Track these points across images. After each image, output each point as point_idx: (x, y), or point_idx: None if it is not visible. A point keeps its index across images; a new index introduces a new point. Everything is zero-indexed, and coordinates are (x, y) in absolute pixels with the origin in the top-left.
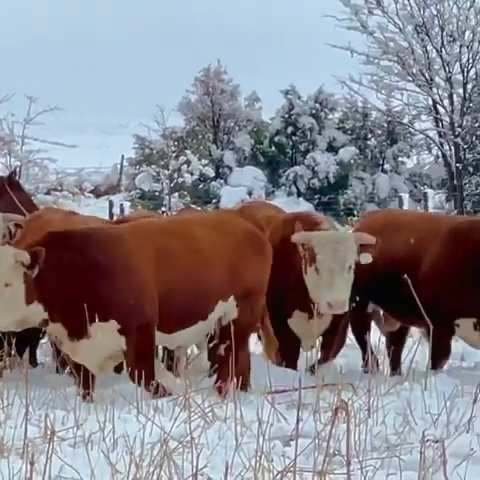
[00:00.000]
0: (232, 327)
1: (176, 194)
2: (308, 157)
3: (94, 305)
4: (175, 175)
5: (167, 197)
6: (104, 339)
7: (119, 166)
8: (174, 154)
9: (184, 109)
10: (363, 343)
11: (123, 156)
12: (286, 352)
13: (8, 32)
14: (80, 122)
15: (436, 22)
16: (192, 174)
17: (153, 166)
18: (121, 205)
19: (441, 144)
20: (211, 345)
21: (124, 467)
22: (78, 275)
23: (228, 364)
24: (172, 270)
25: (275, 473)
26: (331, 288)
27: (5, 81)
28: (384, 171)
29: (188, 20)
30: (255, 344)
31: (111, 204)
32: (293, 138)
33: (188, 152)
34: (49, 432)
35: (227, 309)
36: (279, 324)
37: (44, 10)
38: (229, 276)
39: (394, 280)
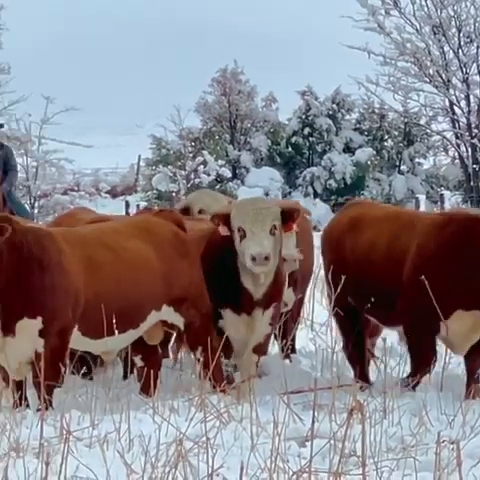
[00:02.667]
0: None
1: None
2: (325, 158)
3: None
4: (192, 176)
5: (184, 198)
6: (25, 339)
7: (136, 166)
8: (191, 155)
9: (201, 110)
10: None
11: (140, 156)
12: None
13: (25, 32)
14: (97, 122)
15: (453, 23)
16: (209, 175)
17: (170, 167)
18: (137, 205)
19: (458, 145)
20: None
21: (139, 467)
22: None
23: (216, 367)
24: (100, 281)
25: (290, 474)
26: (253, 241)
27: (22, 81)
28: (401, 172)
29: (203, 20)
30: (271, 344)
31: (127, 204)
32: (310, 139)
33: (205, 153)
34: (65, 432)
35: (165, 316)
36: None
37: (61, 10)
38: (160, 285)
39: None
